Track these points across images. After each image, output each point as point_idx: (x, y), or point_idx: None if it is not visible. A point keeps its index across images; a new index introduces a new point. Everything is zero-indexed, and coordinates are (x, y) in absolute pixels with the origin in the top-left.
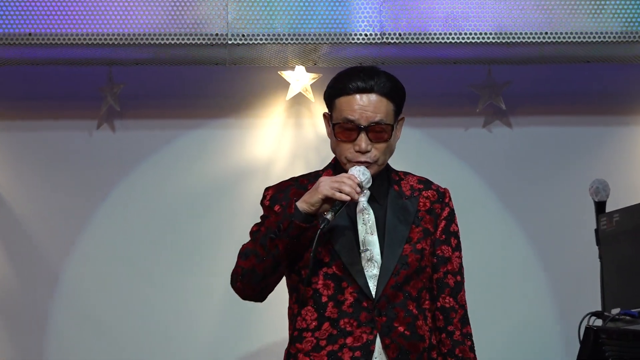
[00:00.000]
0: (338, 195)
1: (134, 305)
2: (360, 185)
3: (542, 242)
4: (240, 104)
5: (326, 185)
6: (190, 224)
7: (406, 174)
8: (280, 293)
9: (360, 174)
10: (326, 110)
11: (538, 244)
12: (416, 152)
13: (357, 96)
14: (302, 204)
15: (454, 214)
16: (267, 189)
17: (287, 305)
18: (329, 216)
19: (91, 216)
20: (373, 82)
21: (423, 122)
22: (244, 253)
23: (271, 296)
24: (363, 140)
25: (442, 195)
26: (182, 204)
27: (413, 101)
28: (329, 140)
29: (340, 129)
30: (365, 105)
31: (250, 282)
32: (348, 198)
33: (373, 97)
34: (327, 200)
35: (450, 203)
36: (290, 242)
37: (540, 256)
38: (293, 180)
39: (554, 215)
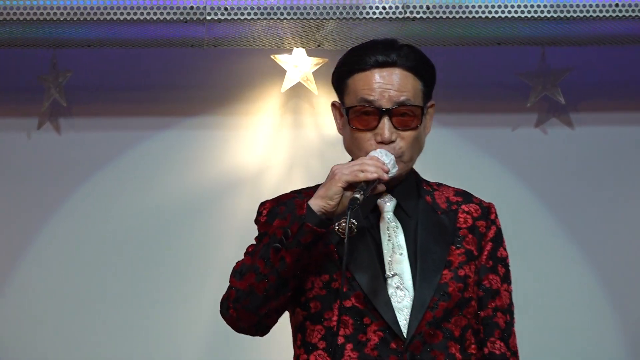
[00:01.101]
0: (362, 175)
1: (91, 344)
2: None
3: (610, 270)
4: (223, 98)
5: (343, 170)
6: (161, 248)
7: (439, 184)
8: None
9: (382, 155)
10: (335, 99)
11: (604, 273)
12: (449, 158)
13: (376, 72)
14: (316, 201)
15: (502, 235)
16: (262, 204)
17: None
18: (357, 195)
19: (31, 238)
20: (395, 54)
21: (458, 120)
22: (239, 271)
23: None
24: (386, 127)
25: (487, 211)
26: (150, 224)
27: (445, 94)
28: (335, 143)
29: (356, 114)
30: (387, 82)
31: (247, 307)
32: (375, 176)
33: (397, 72)
34: (349, 188)
35: (497, 221)
36: (300, 252)
37: (608, 287)
38: (295, 193)
39: (625, 237)
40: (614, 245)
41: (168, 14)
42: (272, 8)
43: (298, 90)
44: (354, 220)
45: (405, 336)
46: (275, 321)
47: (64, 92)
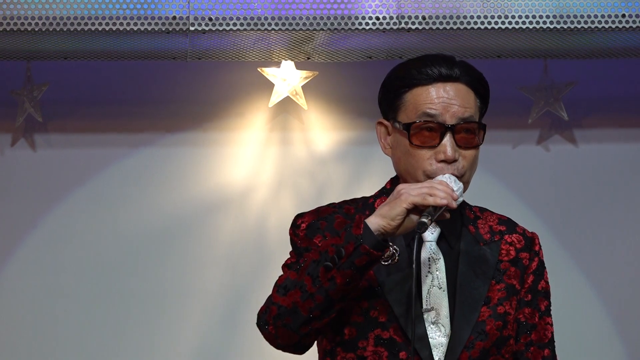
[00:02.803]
0: (432, 199)
1: None
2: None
3: (614, 294)
4: (207, 113)
5: (411, 191)
6: (142, 272)
7: (482, 210)
8: None
9: (451, 181)
10: (380, 117)
11: (608, 297)
12: None
13: (439, 86)
14: (376, 219)
15: (544, 267)
16: (299, 216)
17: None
18: (425, 219)
19: (4, 259)
20: (458, 69)
21: None
22: (283, 286)
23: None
24: (449, 145)
25: (531, 242)
26: (129, 246)
27: None
28: (325, 161)
29: (417, 130)
30: (451, 97)
31: (289, 326)
32: (445, 202)
33: (460, 87)
34: (413, 211)
35: (541, 252)
36: (353, 274)
37: (615, 319)
38: (334, 207)
39: (632, 260)
40: (619, 268)
41: (149, 24)
42: (259, 19)
43: (286, 105)
44: (396, 247)
45: None
46: (314, 341)
47: (39, 107)
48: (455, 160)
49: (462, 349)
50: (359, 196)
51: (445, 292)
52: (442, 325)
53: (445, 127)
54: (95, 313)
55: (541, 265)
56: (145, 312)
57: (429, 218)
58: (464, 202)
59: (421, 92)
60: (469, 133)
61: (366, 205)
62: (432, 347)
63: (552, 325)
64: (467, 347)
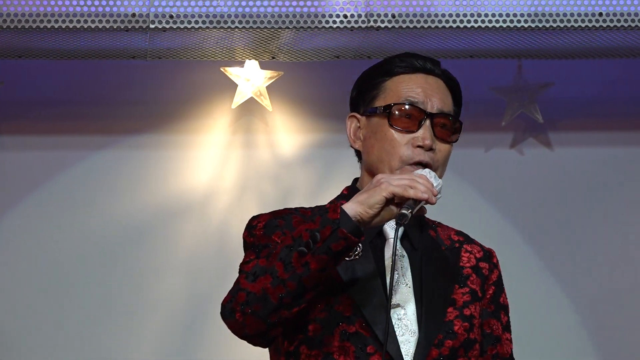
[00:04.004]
0: (412, 192)
1: None
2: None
3: (591, 308)
4: (168, 114)
5: (391, 181)
6: (99, 279)
7: (439, 223)
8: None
9: (431, 177)
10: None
11: (584, 310)
12: None
13: (422, 76)
14: (354, 206)
15: (503, 282)
16: (255, 218)
17: None
18: (406, 211)
19: None
20: (439, 69)
21: None
22: (252, 272)
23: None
24: (428, 131)
25: (489, 255)
26: (86, 253)
27: None
28: (291, 165)
29: (398, 113)
30: (434, 88)
31: (257, 314)
32: (426, 196)
33: (441, 83)
34: (391, 202)
35: (499, 266)
36: (328, 260)
37: (588, 325)
38: (291, 210)
39: (606, 267)
40: (594, 276)
41: (107, 22)
42: (222, 16)
43: (250, 106)
44: (407, 212)
45: None
46: (279, 334)
47: None
48: (432, 149)
49: (432, 347)
50: (324, 202)
51: (412, 289)
52: (409, 322)
53: (426, 113)
54: (48, 323)
55: (500, 279)
56: (102, 322)
57: (410, 210)
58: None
59: (403, 79)
60: (445, 128)
61: (322, 210)
62: (399, 344)
63: (511, 342)
64: (436, 345)
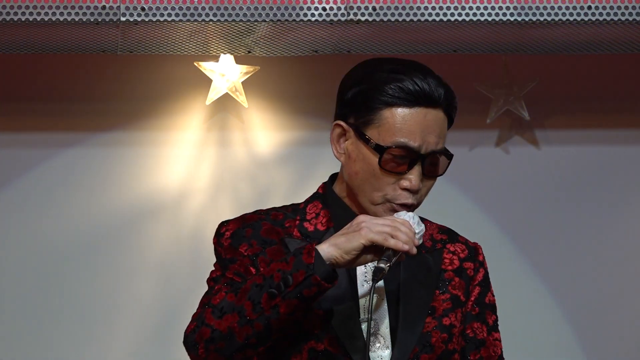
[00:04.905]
0: (392, 242)
1: None
2: None
3: (577, 309)
4: (139, 110)
5: (372, 227)
6: (66, 283)
7: (422, 218)
8: None
9: (414, 222)
10: (332, 115)
11: (571, 310)
12: None
13: (423, 113)
14: (330, 249)
15: (489, 279)
16: (223, 224)
17: None
18: (383, 265)
19: None
20: (442, 89)
21: None
22: (219, 307)
23: None
24: (417, 175)
25: (474, 252)
26: (53, 255)
27: None
28: (267, 164)
29: (391, 156)
30: (431, 125)
31: (221, 351)
32: (406, 248)
33: (440, 114)
34: (370, 248)
35: (485, 263)
36: (298, 305)
37: (574, 326)
38: (261, 214)
39: (599, 272)
40: (580, 276)
41: (77, 14)
42: (195, 8)
43: (225, 102)
44: (384, 266)
45: None
46: None
47: None
48: (418, 191)
49: None
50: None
51: (385, 302)
52: (382, 337)
53: (418, 156)
54: (16, 327)
55: (487, 277)
56: (72, 326)
57: (388, 264)
58: None
59: (401, 115)
60: (435, 165)
61: (296, 211)
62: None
63: (500, 341)
64: (412, 359)
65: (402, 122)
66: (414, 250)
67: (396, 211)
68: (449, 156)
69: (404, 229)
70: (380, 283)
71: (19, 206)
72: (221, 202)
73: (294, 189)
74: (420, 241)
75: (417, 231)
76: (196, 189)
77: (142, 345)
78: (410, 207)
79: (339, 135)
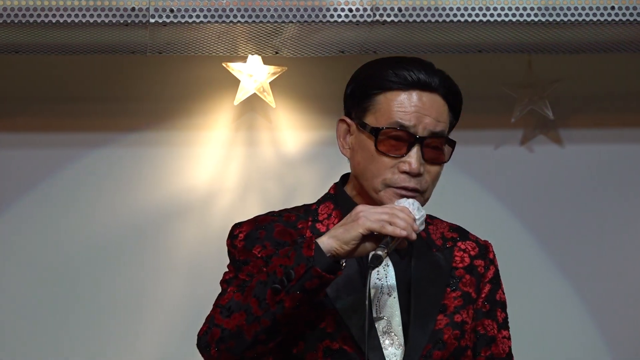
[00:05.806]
0: (391, 229)
1: None
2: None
3: (603, 307)
4: (168, 111)
5: (369, 216)
6: (97, 283)
7: (432, 217)
8: None
9: (414, 208)
10: (343, 116)
11: (596, 309)
12: None
13: (416, 93)
14: (329, 241)
15: (500, 277)
16: (237, 226)
17: None
18: (381, 252)
19: None
20: (437, 77)
21: None
22: (227, 307)
23: None
24: (415, 157)
25: (485, 250)
26: (84, 255)
27: None
28: (294, 163)
29: (387, 137)
30: (427, 107)
31: (232, 350)
32: (404, 234)
33: (437, 98)
34: (369, 237)
35: (496, 261)
36: (302, 298)
37: (600, 325)
38: (274, 215)
39: (623, 270)
40: (605, 274)
41: (107, 16)
42: (224, 10)
43: (253, 102)
44: (381, 253)
45: None
46: None
47: None
48: (419, 174)
49: (420, 359)
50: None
51: (397, 300)
52: (395, 335)
53: (415, 138)
54: (46, 327)
55: (497, 275)
56: (101, 326)
57: (385, 251)
58: None
59: (395, 98)
60: (436, 149)
61: (308, 212)
62: (385, 358)
63: (509, 339)
64: (425, 356)
65: (397, 104)
66: (414, 236)
67: (400, 197)
68: (451, 142)
69: (402, 215)
70: (392, 281)
71: (50, 205)
72: (249, 201)
73: (321, 188)
74: (423, 227)
75: (417, 217)
76: (224, 189)
77: (169, 346)
78: (412, 191)
79: (344, 132)
